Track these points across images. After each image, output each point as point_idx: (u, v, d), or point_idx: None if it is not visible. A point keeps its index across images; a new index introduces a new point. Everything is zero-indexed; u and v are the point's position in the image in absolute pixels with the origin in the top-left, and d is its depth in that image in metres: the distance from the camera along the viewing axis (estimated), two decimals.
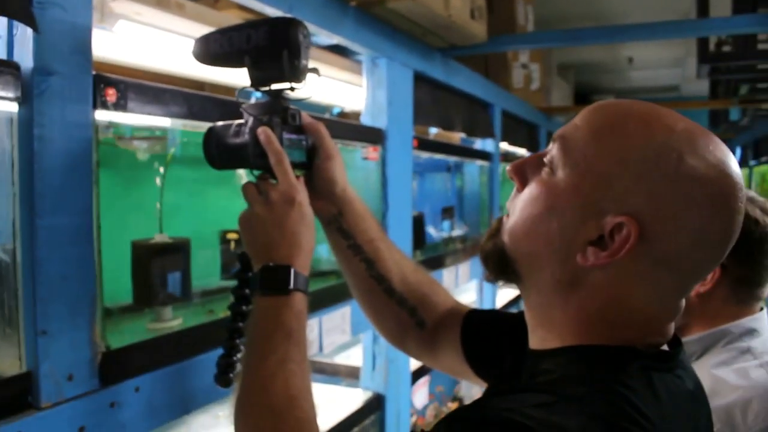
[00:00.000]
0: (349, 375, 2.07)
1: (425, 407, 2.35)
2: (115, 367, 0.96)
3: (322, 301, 1.52)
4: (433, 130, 2.79)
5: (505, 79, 3.82)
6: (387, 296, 1.07)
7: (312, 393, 0.83)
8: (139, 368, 1.00)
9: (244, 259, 0.98)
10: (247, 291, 0.97)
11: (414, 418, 2.28)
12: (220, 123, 1.00)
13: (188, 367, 1.09)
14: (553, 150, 0.75)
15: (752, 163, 6.50)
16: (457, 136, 2.97)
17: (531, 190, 0.76)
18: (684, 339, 1.06)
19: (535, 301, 0.77)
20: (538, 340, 0.78)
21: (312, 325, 1.47)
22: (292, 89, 0.98)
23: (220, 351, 0.98)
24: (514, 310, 1.56)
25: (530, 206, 0.75)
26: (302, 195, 0.95)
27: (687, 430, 0.71)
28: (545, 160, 0.75)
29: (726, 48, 4.52)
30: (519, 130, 3.75)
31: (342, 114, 2.42)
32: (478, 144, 3.09)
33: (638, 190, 0.67)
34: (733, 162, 0.69)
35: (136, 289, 1.16)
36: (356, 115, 1.99)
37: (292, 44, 0.93)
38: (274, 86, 0.97)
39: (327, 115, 2.20)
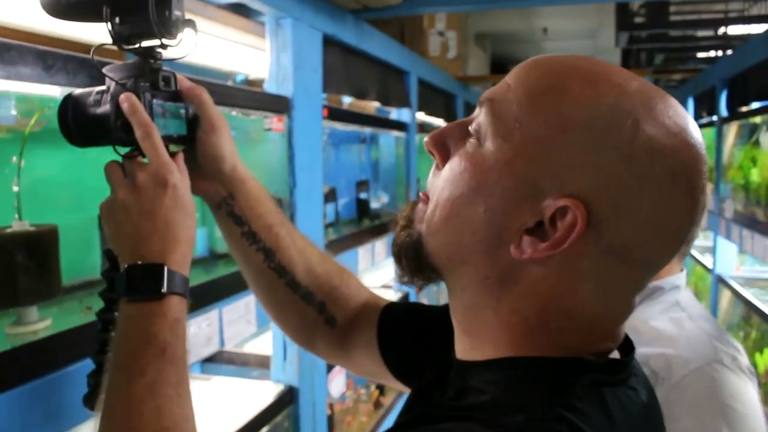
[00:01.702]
0: (260, 365, 1.93)
1: (344, 394, 2.23)
2: None
3: (222, 290, 1.36)
4: (347, 100, 2.65)
5: (421, 46, 3.71)
6: (290, 291, 0.92)
7: (192, 421, 0.68)
8: None
9: (111, 256, 0.80)
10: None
11: (330, 408, 2.15)
12: (78, 90, 0.82)
13: (56, 381, 0.92)
14: (480, 116, 0.61)
15: None
16: (372, 106, 2.83)
17: (453, 165, 0.62)
18: None
19: (461, 302, 0.64)
20: (464, 348, 0.64)
21: (211, 318, 1.31)
22: (163, 46, 0.81)
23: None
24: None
25: (452, 186, 0.61)
26: (177, 176, 0.78)
27: None
28: (470, 128, 0.61)
29: (639, 19, 4.56)
30: (436, 99, 3.64)
31: (248, 82, 2.23)
32: (394, 114, 2.96)
33: (585, 165, 0.54)
34: (695, 129, 0.57)
35: None
36: (263, 83, 1.81)
37: None
38: (142, 44, 0.80)
39: (230, 83, 2.02)
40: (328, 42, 1.95)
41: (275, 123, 1.62)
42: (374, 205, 2.74)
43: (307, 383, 1.75)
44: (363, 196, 2.61)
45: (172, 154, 0.81)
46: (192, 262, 1.35)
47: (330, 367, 1.97)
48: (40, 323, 1.01)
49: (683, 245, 0.62)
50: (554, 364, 0.57)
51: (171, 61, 0.84)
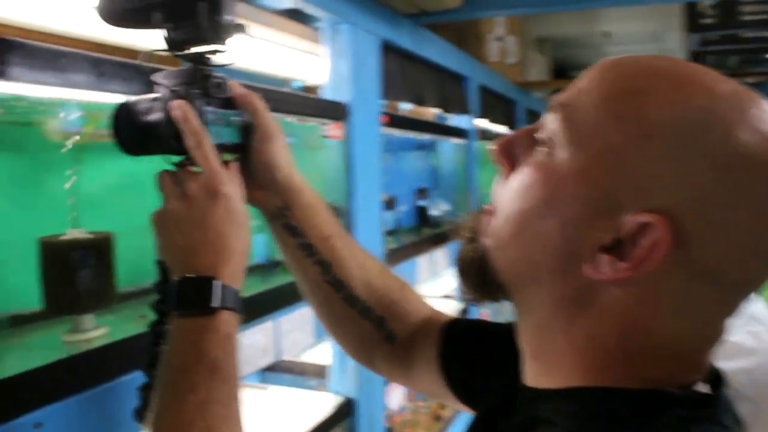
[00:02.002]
0: (318, 375, 1.90)
1: (402, 409, 2.19)
2: (2, 401, 0.77)
3: (279, 300, 1.34)
4: (405, 106, 2.61)
5: (479, 52, 3.65)
6: (348, 305, 0.88)
7: None
8: (40, 398, 0.81)
9: (163, 267, 0.78)
10: None
11: (388, 420, 2.11)
12: (132, 98, 0.81)
13: (110, 392, 0.90)
14: (551, 122, 0.56)
15: None
16: (431, 113, 2.78)
17: (522, 176, 0.57)
18: None
19: (530, 324, 0.59)
20: (533, 374, 0.59)
21: (267, 328, 1.29)
22: (215, 52, 0.79)
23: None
24: None
25: (521, 198, 0.56)
26: (230, 185, 0.75)
27: None
28: (541, 136, 0.57)
29: (707, 20, 4.39)
30: (496, 105, 3.57)
31: (305, 89, 2.22)
32: (453, 121, 2.91)
33: (670, 175, 0.49)
34: None
35: (47, 296, 0.97)
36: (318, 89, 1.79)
37: None
38: (193, 49, 0.79)
39: (291, 91, 2.00)
40: (386, 47, 1.92)
41: (333, 130, 1.59)
42: (434, 213, 2.69)
43: (365, 395, 1.71)
44: (422, 204, 2.57)
45: (226, 163, 0.79)
46: (249, 269, 1.34)
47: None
48: (96, 331, 1.00)
49: None
50: (635, 398, 0.51)
51: (225, 67, 0.82)
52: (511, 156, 0.60)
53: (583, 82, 0.56)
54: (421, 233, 2.46)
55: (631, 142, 0.50)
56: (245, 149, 0.85)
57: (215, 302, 0.69)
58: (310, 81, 2.15)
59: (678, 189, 0.49)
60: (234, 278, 0.73)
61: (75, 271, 0.96)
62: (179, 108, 0.75)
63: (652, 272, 0.49)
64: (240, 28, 0.80)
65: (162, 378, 0.68)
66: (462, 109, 2.82)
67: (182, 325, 0.70)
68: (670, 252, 0.48)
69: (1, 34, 0.76)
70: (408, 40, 2.06)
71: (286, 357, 1.36)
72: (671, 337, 0.52)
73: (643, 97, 0.51)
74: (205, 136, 0.75)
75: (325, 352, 1.80)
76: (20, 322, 0.99)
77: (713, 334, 0.54)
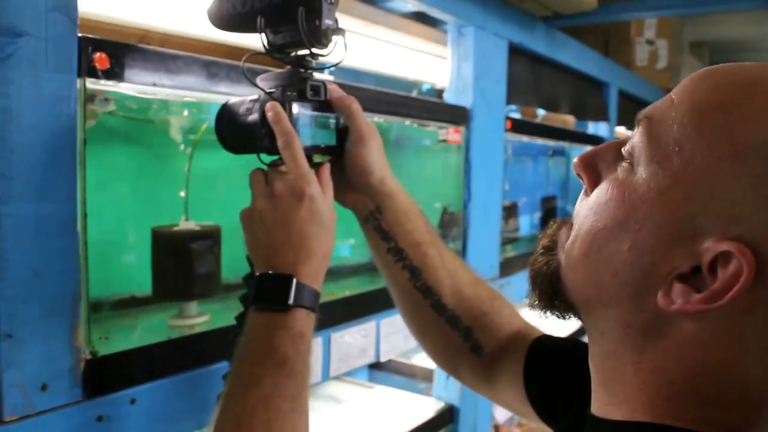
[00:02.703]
0: (426, 379, 1.90)
1: (512, 421, 2.13)
2: (104, 375, 0.83)
3: (382, 301, 1.34)
4: (542, 112, 2.54)
5: (627, 56, 3.47)
6: (435, 313, 0.88)
7: None
8: (136, 377, 0.87)
9: (250, 262, 0.82)
10: None
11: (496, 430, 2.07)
12: (233, 98, 0.85)
13: (201, 376, 0.95)
14: (635, 137, 0.52)
15: None
16: (570, 119, 2.69)
17: (600, 192, 0.54)
18: None
19: (599, 349, 0.56)
20: (600, 402, 0.56)
21: (368, 329, 1.30)
22: (313, 56, 0.81)
23: None
24: None
25: (595, 216, 0.53)
26: (315, 187, 0.77)
27: None
28: (624, 151, 0.53)
29: None
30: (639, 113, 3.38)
31: (435, 92, 2.22)
32: (591, 128, 2.79)
33: (759, 202, 0.44)
34: None
35: (157, 282, 1.03)
36: None
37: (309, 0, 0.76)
38: (293, 53, 0.81)
39: (414, 94, 2.01)
40: (515, 51, 1.87)
41: (451, 134, 1.58)
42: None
43: (469, 403, 1.69)
44: (549, 212, 2.49)
45: (319, 165, 0.81)
46: (354, 269, 1.36)
47: None
48: (199, 318, 1.05)
49: None
50: None
51: (335, 67, 0.84)
52: (594, 170, 0.57)
53: (675, 93, 0.52)
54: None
55: (716, 163, 0.46)
56: (340, 152, 0.86)
57: (291, 299, 0.71)
58: (440, 84, 2.16)
59: (765, 218, 0.44)
60: (313, 278, 0.75)
61: (182, 260, 1.02)
62: (272, 109, 0.78)
63: (730, 307, 0.45)
64: (340, 32, 0.81)
65: (232, 368, 0.71)
66: (600, 115, 2.70)
67: (257, 319, 0.72)
68: (750, 286, 0.44)
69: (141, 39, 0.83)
70: (540, 43, 2.00)
71: (384, 359, 1.36)
72: (746, 380, 0.48)
73: (735, 112, 0.47)
74: (295, 137, 0.77)
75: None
76: (132, 304, 1.07)
77: None
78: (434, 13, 1.53)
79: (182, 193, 1.06)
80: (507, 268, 1.89)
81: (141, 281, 1.05)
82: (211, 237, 1.06)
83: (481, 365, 0.88)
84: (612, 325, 0.53)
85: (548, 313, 0.60)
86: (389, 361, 1.98)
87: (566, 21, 1.99)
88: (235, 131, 0.84)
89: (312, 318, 0.74)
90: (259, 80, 0.84)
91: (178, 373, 0.92)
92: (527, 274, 0.63)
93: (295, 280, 0.72)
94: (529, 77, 2.03)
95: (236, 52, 0.97)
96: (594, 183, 0.56)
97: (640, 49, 3.47)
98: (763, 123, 0.45)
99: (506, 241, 2.01)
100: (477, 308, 0.89)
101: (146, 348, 0.89)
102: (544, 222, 2.45)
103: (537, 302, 0.61)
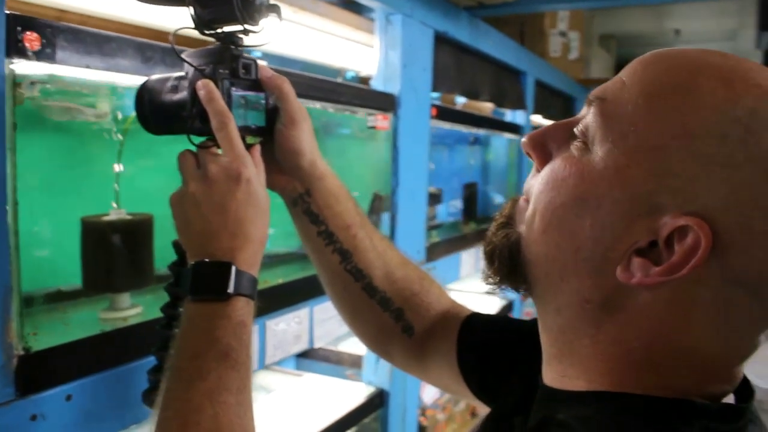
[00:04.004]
0: (354, 365, 1.91)
1: (436, 401, 2.18)
2: (37, 372, 0.79)
3: (315, 288, 1.34)
4: (461, 100, 2.58)
5: (541, 47, 3.59)
6: (367, 295, 0.87)
7: (253, 431, 0.64)
8: (71, 372, 0.84)
9: (179, 249, 0.78)
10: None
11: (423, 414, 2.11)
12: (155, 76, 0.81)
13: (138, 369, 0.92)
14: (588, 116, 0.54)
15: None
16: (488, 107, 2.75)
17: (555, 168, 0.56)
18: None
19: (555, 323, 0.57)
20: (554, 375, 0.58)
21: (302, 316, 1.30)
22: (245, 32, 0.77)
23: None
24: None
25: (553, 191, 0.55)
26: (252, 170, 0.74)
27: None
28: (576, 130, 0.55)
29: None
30: (554, 102, 3.50)
31: (360, 80, 2.22)
32: (508, 116, 2.87)
33: (713, 179, 0.47)
34: None
35: (87, 274, 0.99)
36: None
37: None
38: (224, 29, 0.77)
39: (340, 80, 2.01)
40: (440, 39, 1.90)
41: (379, 121, 1.59)
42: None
43: (398, 387, 1.71)
44: (470, 198, 2.54)
45: (249, 147, 0.77)
46: (286, 257, 1.35)
47: None
48: (132, 310, 1.02)
49: None
50: (659, 406, 0.50)
51: (257, 48, 0.81)
52: (544, 149, 0.59)
53: (625, 75, 0.54)
54: (466, 228, 2.43)
55: (671, 142, 0.48)
56: (270, 133, 0.83)
57: (230, 288, 0.68)
58: (364, 72, 2.16)
59: (719, 192, 0.47)
60: (251, 264, 0.71)
61: (113, 251, 0.99)
62: (205, 87, 0.74)
63: (686, 279, 0.48)
64: (274, 8, 0.77)
65: (172, 362, 0.67)
66: (518, 104, 2.78)
67: (195, 310, 0.69)
68: (707, 258, 0.47)
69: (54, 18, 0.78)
70: (464, 32, 2.04)
71: (318, 345, 1.37)
72: (701, 347, 0.50)
73: (688, 94, 0.49)
74: (230, 117, 0.74)
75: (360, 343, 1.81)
76: (60, 298, 1.02)
77: (747, 346, 0.52)
78: (364, 1, 1.53)
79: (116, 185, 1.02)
80: (432, 252, 1.92)
81: (69, 274, 1.01)
82: (142, 226, 1.03)
83: (413, 346, 0.89)
84: (570, 300, 0.54)
85: (504, 284, 0.61)
86: (317, 349, 1.98)
87: (489, 11, 2.04)
88: (159, 110, 0.79)
89: (251, 306, 0.71)
90: (186, 56, 0.78)
91: (114, 366, 0.89)
92: (483, 250, 0.63)
93: (234, 268, 0.69)
94: (453, 65, 2.06)
95: (159, 36, 0.94)
96: (544, 161, 0.58)
97: (553, 41, 3.59)
98: (713, 105, 0.48)
99: (432, 227, 2.04)
100: (407, 289, 0.89)
101: (81, 342, 0.86)
102: (467, 208, 2.50)
103: (493, 276, 0.61)
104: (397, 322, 0.88)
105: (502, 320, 0.87)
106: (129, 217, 1.02)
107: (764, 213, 0.46)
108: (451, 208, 2.48)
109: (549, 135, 0.58)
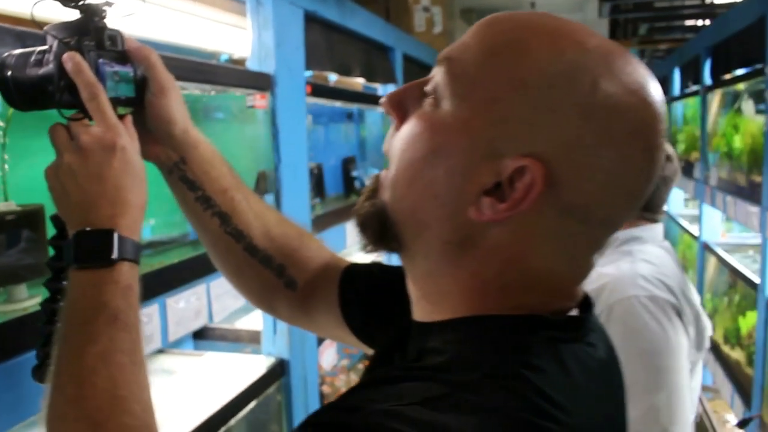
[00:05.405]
0: (252, 340, 1.96)
1: (335, 368, 2.27)
2: None
3: (210, 265, 1.38)
4: (333, 77, 2.66)
5: (406, 22, 3.71)
6: (248, 255, 0.90)
7: (149, 389, 0.66)
8: None
9: (58, 224, 0.78)
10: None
11: (323, 381, 2.19)
12: (17, 50, 0.79)
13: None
14: (437, 75, 0.60)
15: None
16: (358, 83, 2.84)
17: (410, 127, 0.61)
18: None
19: (421, 269, 0.64)
20: (423, 311, 0.65)
21: (199, 292, 1.34)
22: (108, 4, 0.78)
23: None
24: None
25: (411, 148, 0.60)
26: (126, 138, 0.75)
27: (605, 405, 0.61)
28: (427, 89, 0.61)
29: None
30: (422, 75, 3.55)
31: (232, 62, 2.24)
32: (380, 90, 2.97)
33: (543, 124, 0.54)
34: (654, 87, 0.58)
35: None
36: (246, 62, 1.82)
37: None
38: (86, 1, 0.77)
39: (213, 63, 2.03)
40: (311, 19, 1.96)
41: (258, 100, 1.63)
42: (360, 182, 2.76)
43: (297, 356, 1.78)
44: (350, 173, 2.63)
45: (121, 117, 0.78)
46: (181, 239, 1.37)
47: (321, 341, 2.00)
48: (30, 301, 1.03)
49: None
50: (510, 322, 0.58)
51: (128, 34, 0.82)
52: (401, 107, 0.64)
53: (467, 37, 0.60)
54: (348, 201, 2.52)
55: (507, 93, 0.55)
56: (140, 103, 0.84)
57: (114, 254, 0.69)
58: (237, 54, 2.18)
59: (549, 135, 0.54)
60: (132, 230, 0.73)
61: (4, 243, 0.99)
62: (71, 60, 0.74)
63: (528, 212, 0.55)
64: None
65: (61, 332, 0.67)
66: (388, 78, 2.88)
67: (81, 277, 0.69)
68: (542, 192, 0.54)
69: None
70: (333, 12, 2.11)
71: (217, 320, 1.41)
72: (544, 270, 0.59)
73: (518, 51, 0.56)
74: (100, 88, 0.75)
75: (258, 318, 1.87)
76: None
77: (584, 266, 0.62)
78: None
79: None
80: (319, 224, 2.00)
81: None
82: (33, 217, 1.04)
83: (297, 299, 0.92)
84: (433, 245, 0.61)
85: (379, 248, 0.67)
86: (214, 328, 2.01)
87: None
88: (24, 85, 0.78)
89: (136, 270, 0.72)
90: (48, 29, 0.77)
91: (17, 355, 0.90)
92: (354, 221, 0.68)
93: (116, 234, 0.70)
94: (324, 44, 2.13)
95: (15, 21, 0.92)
96: (402, 119, 0.64)
97: (418, 16, 3.72)
98: (540, 59, 0.55)
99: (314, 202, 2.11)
100: (287, 246, 0.92)
101: None
102: (346, 180, 2.59)
103: (368, 243, 0.67)
104: (279, 278, 0.91)
105: (379, 267, 0.92)
106: (18, 209, 1.02)
107: (587, 151, 0.55)
108: (332, 182, 2.56)
109: (405, 94, 0.64)
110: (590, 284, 1.35)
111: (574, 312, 0.62)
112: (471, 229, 0.58)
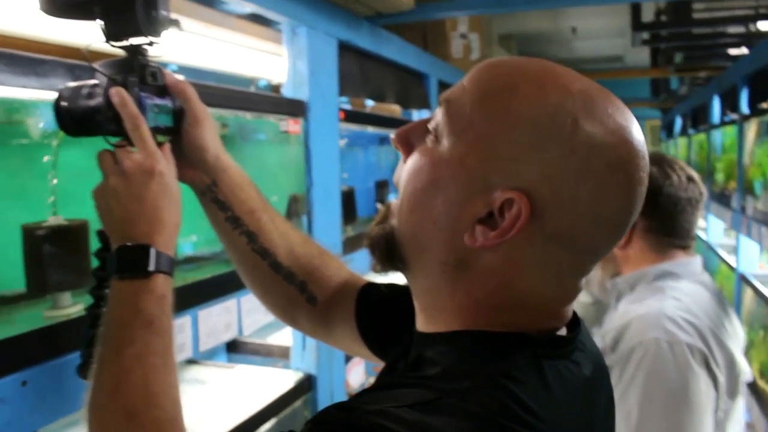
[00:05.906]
0: (283, 355, 2.03)
1: (363, 386, 2.32)
2: None
3: (241, 281, 1.46)
4: (370, 103, 2.74)
5: (444, 49, 3.78)
6: (273, 271, 0.99)
7: (178, 389, 0.76)
8: (26, 360, 0.93)
9: (103, 238, 0.89)
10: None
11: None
12: (70, 84, 0.91)
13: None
14: (438, 115, 0.68)
15: (690, 132, 6.58)
16: (396, 109, 2.91)
17: (414, 160, 0.69)
18: (616, 279, 1.51)
19: (421, 286, 0.71)
20: (423, 323, 0.72)
21: (230, 306, 1.42)
22: (151, 44, 0.89)
23: None
24: None
25: (414, 180, 0.68)
26: (164, 164, 0.86)
27: (582, 419, 0.66)
28: (430, 126, 0.68)
29: (663, 17, 4.57)
30: None
31: (272, 87, 2.34)
32: (415, 115, 3.04)
33: (529, 160, 0.61)
34: (635, 127, 0.64)
35: (30, 277, 1.09)
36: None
37: None
38: (130, 41, 0.89)
39: (252, 89, 2.13)
40: (344, 48, 2.05)
41: (291, 125, 1.72)
42: None
43: (325, 371, 1.85)
44: (383, 196, 2.70)
45: (160, 144, 0.89)
46: (212, 256, 1.46)
47: (348, 358, 2.06)
48: (73, 308, 1.12)
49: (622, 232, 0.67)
50: (498, 338, 0.64)
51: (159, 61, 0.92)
52: (407, 143, 0.71)
53: (465, 80, 0.67)
54: None
55: (497, 132, 0.62)
56: (177, 132, 0.95)
57: (151, 266, 0.79)
58: (276, 80, 2.28)
59: (534, 170, 0.61)
60: (167, 246, 0.83)
61: (53, 254, 1.08)
62: (118, 94, 0.85)
63: (516, 239, 0.62)
64: (175, 22, 0.90)
65: (103, 334, 0.77)
66: (423, 104, 2.96)
67: (121, 287, 0.79)
68: (528, 222, 0.61)
69: None
70: (366, 40, 2.19)
71: (247, 333, 1.49)
72: (532, 292, 0.65)
73: (509, 94, 0.63)
74: (141, 119, 0.86)
75: (288, 334, 1.93)
76: (5, 302, 1.11)
77: (570, 290, 0.68)
78: (269, 14, 1.66)
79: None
80: (348, 246, 2.07)
81: (10, 280, 1.10)
82: (78, 231, 1.13)
83: (317, 313, 1.01)
84: (432, 265, 0.67)
85: (387, 268, 0.74)
86: (247, 342, 2.09)
87: (388, 19, 2.19)
88: (76, 114, 0.89)
89: (170, 282, 0.82)
90: (98, 67, 0.89)
91: (62, 355, 0.99)
92: (365, 243, 0.76)
93: (153, 249, 0.80)
94: (358, 71, 2.21)
95: (64, 52, 1.02)
96: (408, 153, 0.71)
97: (455, 43, 3.79)
98: (529, 102, 0.62)
99: (347, 222, 2.18)
100: (309, 264, 1.01)
101: (29, 334, 0.95)
102: (380, 202, 2.66)
103: (378, 264, 0.74)
104: (301, 293, 1.00)
105: (394, 287, 0.99)
106: (66, 223, 1.12)
107: (568, 184, 0.60)
108: (363, 205, 2.63)
109: (411, 131, 0.71)
110: (617, 320, 1.38)
111: (562, 331, 0.68)
112: (466, 253, 0.65)
